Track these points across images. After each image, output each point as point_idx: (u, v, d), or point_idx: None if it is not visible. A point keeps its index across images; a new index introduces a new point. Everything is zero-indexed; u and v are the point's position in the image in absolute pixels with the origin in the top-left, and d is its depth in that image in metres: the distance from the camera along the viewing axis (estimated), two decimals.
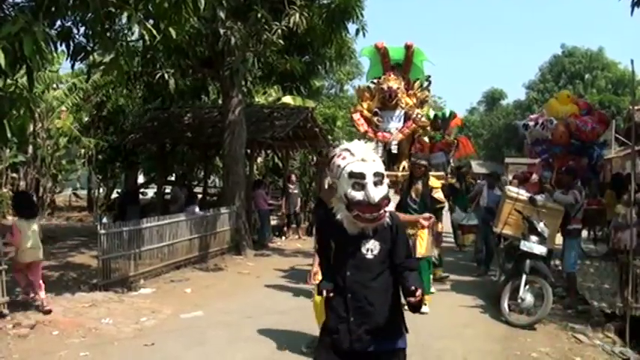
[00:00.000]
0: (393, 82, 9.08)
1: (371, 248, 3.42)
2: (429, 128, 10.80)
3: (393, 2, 59.43)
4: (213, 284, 9.85)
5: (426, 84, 9.85)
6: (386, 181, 3.41)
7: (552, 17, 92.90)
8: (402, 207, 7.85)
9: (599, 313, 7.76)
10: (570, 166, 9.87)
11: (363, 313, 3.40)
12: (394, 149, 9.16)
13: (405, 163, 9.20)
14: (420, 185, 8.10)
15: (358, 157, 3.37)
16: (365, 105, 9.41)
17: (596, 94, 39.37)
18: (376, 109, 9.26)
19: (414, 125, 9.20)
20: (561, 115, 11.58)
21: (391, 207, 3.51)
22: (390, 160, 9.28)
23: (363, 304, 3.40)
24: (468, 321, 7.66)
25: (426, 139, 11.72)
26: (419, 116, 9.21)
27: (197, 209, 12.91)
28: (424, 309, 7.28)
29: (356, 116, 9.35)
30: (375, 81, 9.56)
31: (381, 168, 3.39)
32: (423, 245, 7.79)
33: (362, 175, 3.29)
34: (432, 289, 8.71)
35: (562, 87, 39.03)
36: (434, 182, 8.42)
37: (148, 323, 7.26)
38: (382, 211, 3.34)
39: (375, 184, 3.31)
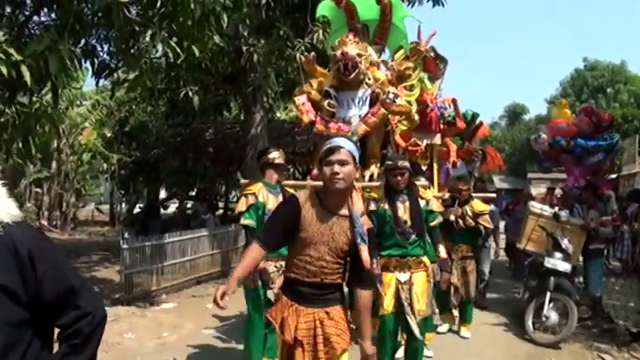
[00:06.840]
0: (353, 47, 5.86)
1: None
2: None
3: (413, 15, 59.03)
4: (234, 298, 9.80)
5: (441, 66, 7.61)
6: None
7: (574, 31, 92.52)
8: (377, 242, 4.45)
9: (624, 332, 7.62)
10: (590, 181, 9.65)
11: None
12: None
13: (374, 169, 6.04)
14: (407, 202, 5.06)
15: None
16: (315, 84, 6.38)
17: (619, 108, 38.81)
18: (328, 89, 6.11)
19: (381, 111, 5.87)
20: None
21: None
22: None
23: None
24: (491, 339, 7.56)
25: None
26: (390, 96, 5.82)
27: None
28: None
29: (299, 100, 6.28)
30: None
31: None
32: (421, 299, 4.93)
33: None
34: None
35: (584, 101, 38.49)
36: (425, 194, 5.50)
37: (170, 338, 7.27)
38: None
39: None
